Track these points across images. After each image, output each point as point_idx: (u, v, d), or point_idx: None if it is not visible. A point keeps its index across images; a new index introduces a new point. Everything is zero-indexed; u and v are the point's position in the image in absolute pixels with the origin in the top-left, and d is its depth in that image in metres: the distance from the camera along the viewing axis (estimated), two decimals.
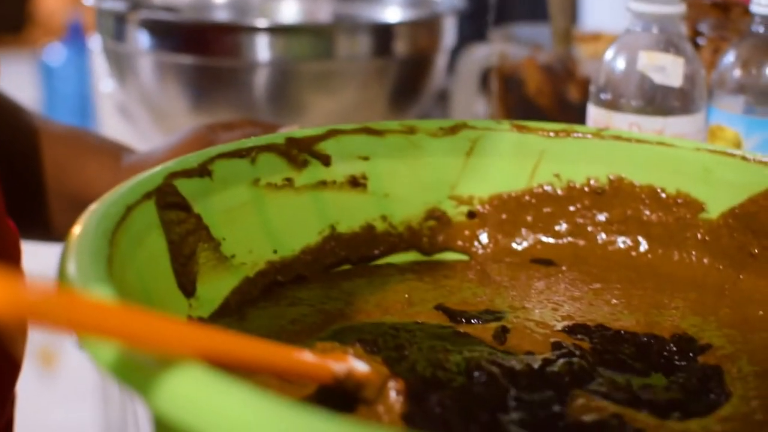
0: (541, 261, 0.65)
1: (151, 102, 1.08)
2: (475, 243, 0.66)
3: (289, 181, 0.61)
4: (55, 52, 3.47)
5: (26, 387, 0.71)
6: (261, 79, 1.01)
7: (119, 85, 1.12)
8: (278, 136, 0.62)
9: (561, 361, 0.51)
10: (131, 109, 1.14)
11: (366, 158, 0.64)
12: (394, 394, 0.47)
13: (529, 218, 0.66)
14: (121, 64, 1.09)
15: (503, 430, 0.46)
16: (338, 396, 0.47)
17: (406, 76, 1.02)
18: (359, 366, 0.47)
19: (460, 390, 0.47)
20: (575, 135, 0.66)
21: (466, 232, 0.66)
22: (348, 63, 0.99)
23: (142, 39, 1.04)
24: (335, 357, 0.47)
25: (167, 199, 0.54)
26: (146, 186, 0.53)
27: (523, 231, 0.66)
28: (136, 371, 0.37)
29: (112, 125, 1.32)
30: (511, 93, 0.97)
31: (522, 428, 0.46)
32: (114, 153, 0.79)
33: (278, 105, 1.01)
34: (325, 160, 0.63)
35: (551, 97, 0.95)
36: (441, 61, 1.07)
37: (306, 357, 0.44)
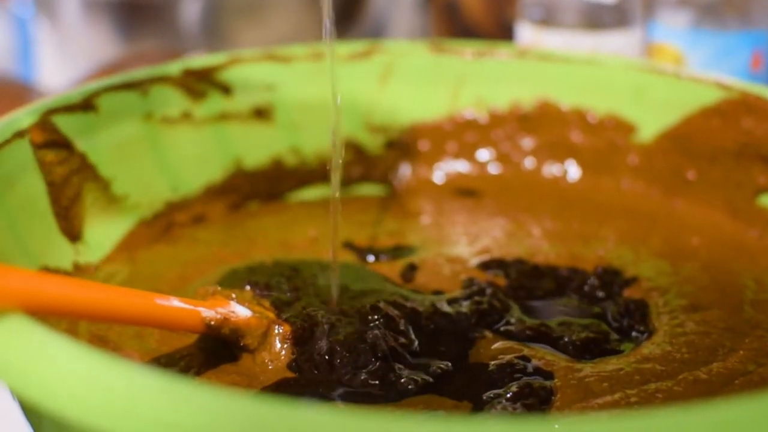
0: (464, 192, 0.60)
1: (82, 41, 1.03)
2: (394, 174, 0.62)
3: (186, 114, 0.57)
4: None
5: None
6: (190, 12, 0.96)
7: (50, 26, 1.07)
8: (173, 66, 0.57)
9: (469, 300, 0.47)
10: (65, 49, 1.09)
11: (271, 87, 0.59)
12: (278, 341, 0.43)
13: (450, 146, 0.62)
14: (49, 4, 1.04)
15: (398, 378, 0.41)
16: (223, 345, 0.43)
17: (340, 2, 0.97)
18: (240, 311, 0.43)
19: (353, 335, 0.43)
20: (497, 56, 0.61)
21: (384, 163, 0.61)
22: None
23: None
24: (214, 302, 0.43)
25: (44, 136, 0.49)
26: (18, 123, 0.48)
27: (445, 160, 0.62)
28: None
29: (51, 67, 1.27)
30: (451, 20, 0.92)
31: (420, 375, 0.42)
32: (19, 93, 0.74)
33: (209, 37, 0.96)
34: (226, 90, 0.58)
35: (492, 23, 0.90)
36: None
37: (171, 303, 0.40)
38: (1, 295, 0.32)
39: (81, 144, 0.51)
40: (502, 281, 0.50)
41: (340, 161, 0.48)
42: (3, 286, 0.32)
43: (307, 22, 0.96)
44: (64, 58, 1.13)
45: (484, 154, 0.62)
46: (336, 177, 0.48)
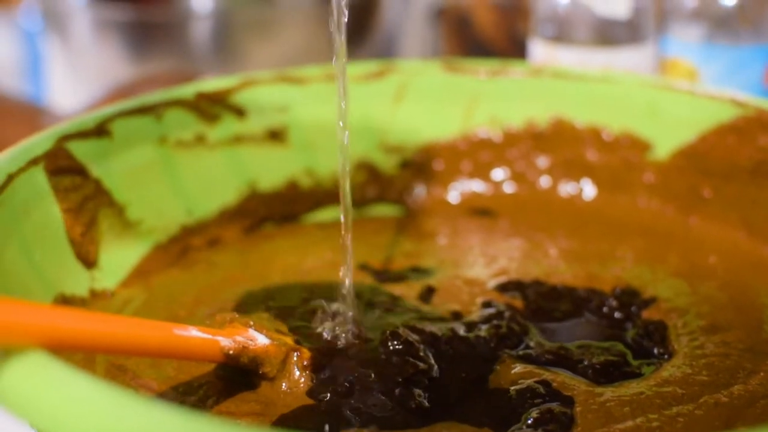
0: (479, 211, 0.60)
1: (92, 59, 1.03)
2: (408, 195, 0.61)
3: (200, 138, 0.56)
4: (35, 12, 3.37)
5: None
6: (201, 30, 0.95)
7: (60, 44, 1.07)
8: (186, 89, 0.57)
9: (488, 323, 0.47)
10: (75, 68, 1.09)
11: (285, 109, 0.59)
12: (296, 368, 0.43)
13: (465, 166, 0.62)
14: (58, 23, 1.04)
15: (419, 405, 0.41)
16: (241, 373, 0.43)
17: (352, 19, 0.97)
18: (258, 339, 0.42)
19: (373, 361, 0.43)
20: (511, 74, 0.61)
21: (399, 184, 0.61)
22: (290, 9, 0.94)
23: None
24: (232, 330, 0.42)
25: (59, 163, 0.49)
26: (32, 151, 0.48)
27: (459, 180, 0.62)
28: None
29: (61, 86, 1.27)
30: (463, 35, 0.92)
31: (441, 401, 0.42)
32: (32, 115, 0.74)
33: (220, 56, 0.96)
34: (240, 113, 0.58)
35: (504, 38, 0.90)
36: (390, 3, 1.02)
37: (190, 333, 0.39)
38: (20, 332, 0.31)
39: (95, 170, 0.51)
40: (519, 303, 0.50)
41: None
42: (22, 323, 0.32)
43: (318, 39, 0.96)
44: (74, 76, 1.13)
45: (498, 174, 0.62)
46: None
